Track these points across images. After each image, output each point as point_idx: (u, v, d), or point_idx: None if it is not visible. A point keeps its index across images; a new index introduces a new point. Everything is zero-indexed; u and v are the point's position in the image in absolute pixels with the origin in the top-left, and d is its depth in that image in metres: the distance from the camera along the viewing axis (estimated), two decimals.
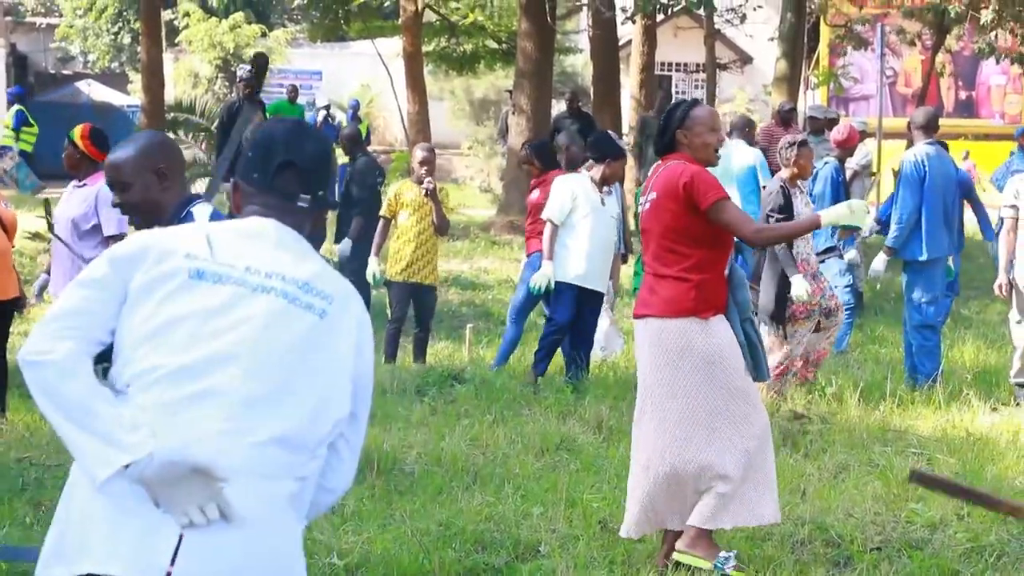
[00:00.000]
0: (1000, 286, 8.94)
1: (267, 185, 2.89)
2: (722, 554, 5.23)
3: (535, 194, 9.93)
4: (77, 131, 7.87)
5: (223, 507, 2.56)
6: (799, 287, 8.35)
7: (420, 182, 9.79)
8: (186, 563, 2.55)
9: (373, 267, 10.12)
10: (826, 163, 10.47)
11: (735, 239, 5.50)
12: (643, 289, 5.46)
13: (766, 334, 8.47)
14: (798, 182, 8.63)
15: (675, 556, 5.25)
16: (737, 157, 11.44)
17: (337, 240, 11.80)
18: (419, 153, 10.15)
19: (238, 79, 14.47)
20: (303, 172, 2.91)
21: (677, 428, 5.23)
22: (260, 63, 14.76)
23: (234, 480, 2.58)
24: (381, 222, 10.27)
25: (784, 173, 8.61)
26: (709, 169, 5.40)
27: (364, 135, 20.60)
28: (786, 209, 8.40)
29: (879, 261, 9.26)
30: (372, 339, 2.94)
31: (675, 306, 5.25)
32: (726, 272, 5.38)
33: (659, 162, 5.47)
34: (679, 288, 5.25)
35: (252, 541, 2.62)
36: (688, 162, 5.34)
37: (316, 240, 11.84)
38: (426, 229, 9.86)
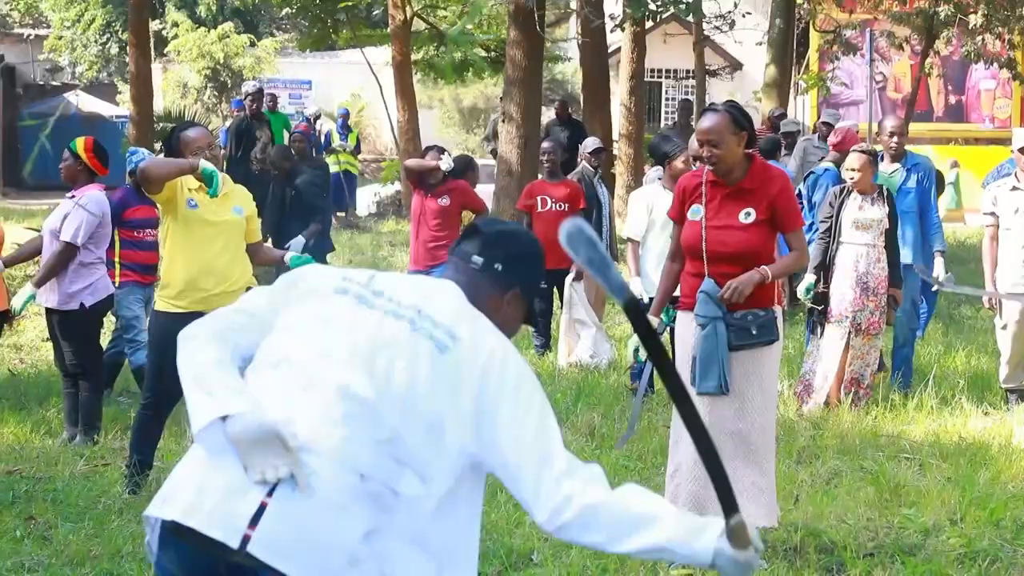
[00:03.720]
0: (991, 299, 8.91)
1: (455, 248, 3.16)
2: None
3: (444, 200, 9.88)
4: (80, 143, 7.83)
5: (296, 472, 2.68)
6: (805, 281, 8.73)
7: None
8: (266, 527, 2.67)
9: None
10: (827, 170, 10.45)
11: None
12: None
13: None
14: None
15: None
16: None
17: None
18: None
19: (244, 95, 14.30)
20: (483, 239, 3.12)
21: None
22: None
23: (319, 459, 2.72)
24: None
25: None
26: None
27: (355, 143, 20.63)
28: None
29: (941, 265, 9.37)
30: (515, 402, 2.86)
31: None
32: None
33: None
34: None
35: (329, 522, 2.71)
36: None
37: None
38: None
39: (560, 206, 10.33)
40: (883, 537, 5.84)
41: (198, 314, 6.38)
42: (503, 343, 2.93)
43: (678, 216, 5.71)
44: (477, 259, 3.08)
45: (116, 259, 8.62)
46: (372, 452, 2.76)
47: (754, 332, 5.48)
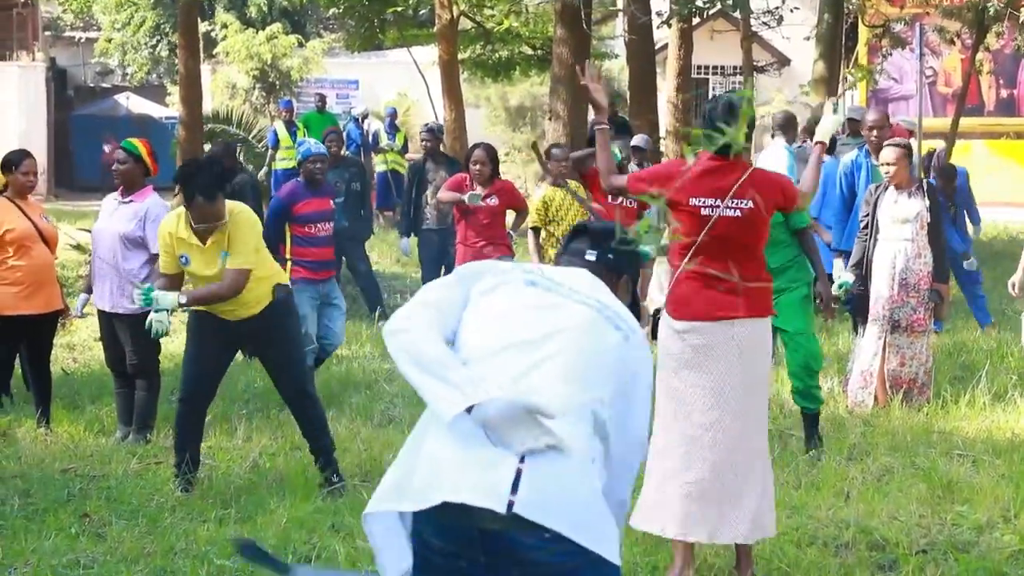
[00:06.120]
0: (1013, 284, 8.87)
1: (566, 247, 3.62)
2: None
3: (493, 200, 9.92)
4: (141, 147, 7.80)
5: (553, 439, 3.01)
6: (841, 279, 8.62)
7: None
8: (527, 490, 2.99)
9: None
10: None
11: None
12: (717, 292, 5.28)
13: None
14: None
15: None
16: (768, 159, 10.98)
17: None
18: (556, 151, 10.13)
19: (422, 131, 12.83)
20: (591, 235, 3.59)
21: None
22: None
23: (561, 419, 3.06)
24: (532, 232, 9.79)
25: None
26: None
27: (403, 143, 20.68)
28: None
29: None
30: (644, 395, 3.36)
31: (764, 307, 5.41)
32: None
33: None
34: (764, 294, 5.42)
35: (578, 473, 3.06)
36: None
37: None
38: None
39: (629, 202, 10.10)
40: (936, 534, 5.79)
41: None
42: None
43: None
44: (592, 252, 3.55)
45: (288, 256, 8.68)
46: (588, 416, 3.14)
47: None
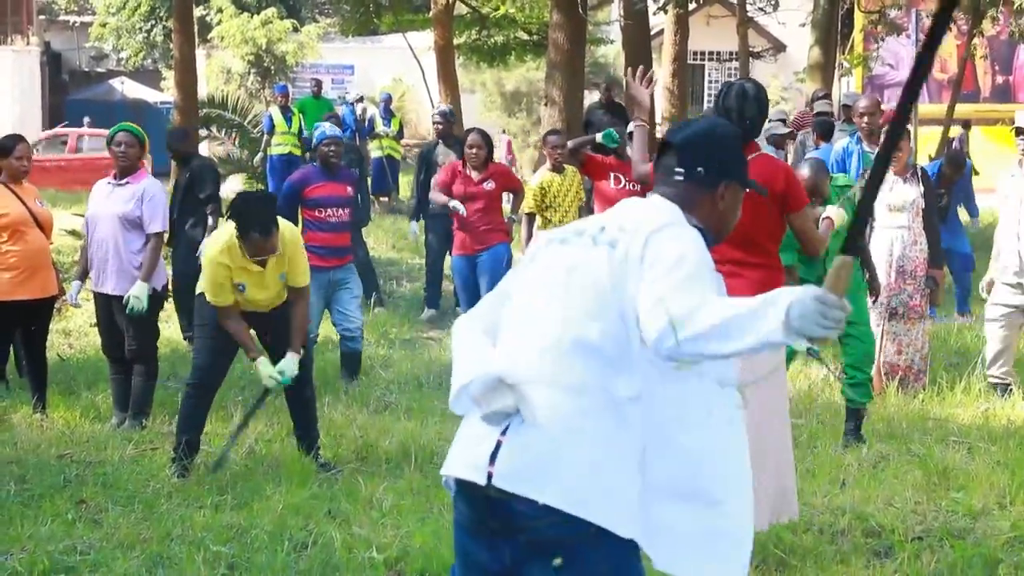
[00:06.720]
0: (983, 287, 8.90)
1: (656, 166, 3.36)
2: None
3: (489, 184, 9.91)
4: (142, 132, 7.92)
5: (521, 404, 3.01)
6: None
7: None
8: (504, 461, 3.01)
9: None
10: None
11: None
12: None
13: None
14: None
15: None
16: None
17: None
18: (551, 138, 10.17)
19: (437, 114, 12.69)
20: (677, 150, 3.30)
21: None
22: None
23: (534, 387, 3.03)
24: (528, 218, 9.84)
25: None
26: None
27: (398, 128, 20.64)
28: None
29: None
30: (657, 252, 3.00)
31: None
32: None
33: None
34: (772, 275, 5.32)
35: (562, 439, 2.98)
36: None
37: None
38: None
39: (634, 186, 10.04)
40: (931, 521, 5.80)
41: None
42: (668, 219, 3.13)
43: None
44: (679, 172, 3.28)
45: None
46: (586, 364, 3.02)
47: None
